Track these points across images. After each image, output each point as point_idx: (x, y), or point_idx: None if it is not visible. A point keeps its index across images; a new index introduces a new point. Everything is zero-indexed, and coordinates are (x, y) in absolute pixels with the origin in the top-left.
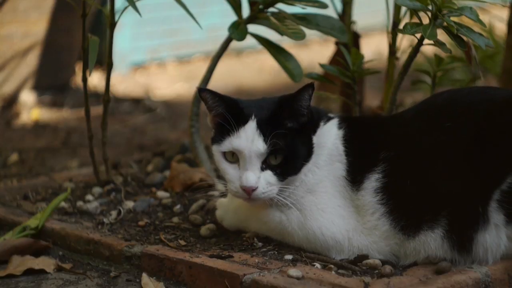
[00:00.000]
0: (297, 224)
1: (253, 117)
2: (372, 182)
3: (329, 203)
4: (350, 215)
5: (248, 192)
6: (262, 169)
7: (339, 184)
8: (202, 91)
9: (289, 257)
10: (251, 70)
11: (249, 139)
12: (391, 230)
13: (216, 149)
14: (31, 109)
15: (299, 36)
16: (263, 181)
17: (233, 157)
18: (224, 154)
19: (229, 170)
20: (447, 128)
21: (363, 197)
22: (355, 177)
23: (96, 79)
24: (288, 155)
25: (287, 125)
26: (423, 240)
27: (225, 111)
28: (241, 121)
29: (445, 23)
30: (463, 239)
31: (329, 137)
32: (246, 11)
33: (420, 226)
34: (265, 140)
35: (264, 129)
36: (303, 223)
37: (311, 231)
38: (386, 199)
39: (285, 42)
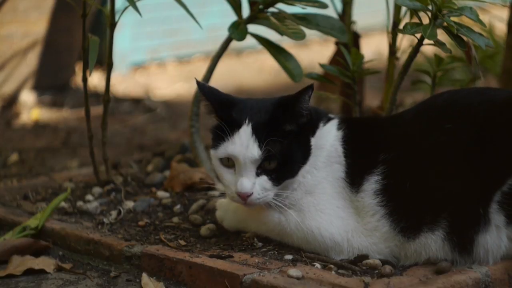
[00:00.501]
0: (295, 225)
1: (247, 121)
2: (372, 184)
3: (327, 204)
4: (349, 216)
5: (243, 198)
6: (258, 174)
7: (338, 185)
8: (202, 87)
9: (289, 257)
10: (251, 70)
11: (243, 145)
12: (391, 231)
13: (213, 154)
14: (31, 109)
15: (299, 36)
16: (258, 186)
17: (229, 162)
18: (221, 159)
19: (225, 175)
20: (447, 129)
21: (363, 199)
22: (354, 178)
23: (96, 79)
24: (284, 159)
25: (286, 128)
26: (424, 242)
27: (218, 116)
28: (236, 126)
29: (445, 23)
30: (464, 240)
31: (328, 139)
32: (246, 11)
33: (420, 228)
34: (260, 146)
35: (259, 135)
36: (302, 224)
37: (310, 231)
38: (386, 201)
39: (285, 42)
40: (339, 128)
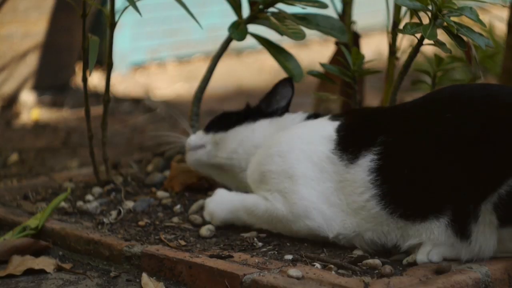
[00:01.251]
0: (282, 203)
1: None
2: (368, 161)
3: (301, 176)
4: (328, 191)
5: None
6: None
7: (320, 161)
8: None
9: (289, 257)
10: (251, 70)
11: None
12: (383, 214)
13: None
14: (31, 109)
15: (299, 36)
16: None
17: None
18: None
19: None
20: (450, 120)
21: (355, 173)
22: (346, 151)
23: (96, 79)
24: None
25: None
26: (428, 226)
27: None
28: None
29: (445, 23)
30: (464, 231)
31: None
32: (246, 11)
33: (425, 213)
34: None
35: None
36: (286, 200)
37: (295, 205)
38: (381, 181)
39: (285, 42)
40: (333, 119)
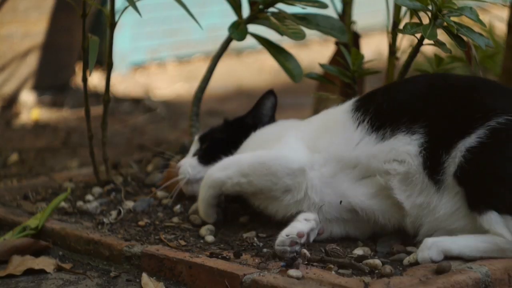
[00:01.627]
0: (268, 150)
1: None
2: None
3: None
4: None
5: None
6: None
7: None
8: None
9: None
10: (251, 70)
11: None
12: (353, 127)
13: None
14: (31, 109)
15: (299, 36)
16: None
17: None
18: None
19: None
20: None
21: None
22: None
23: (96, 79)
24: None
25: None
26: (401, 140)
27: None
28: None
29: (445, 23)
30: (434, 170)
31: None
32: (246, 11)
33: (392, 123)
34: None
35: None
36: (272, 148)
37: (279, 148)
38: (359, 101)
39: (285, 42)
40: None
